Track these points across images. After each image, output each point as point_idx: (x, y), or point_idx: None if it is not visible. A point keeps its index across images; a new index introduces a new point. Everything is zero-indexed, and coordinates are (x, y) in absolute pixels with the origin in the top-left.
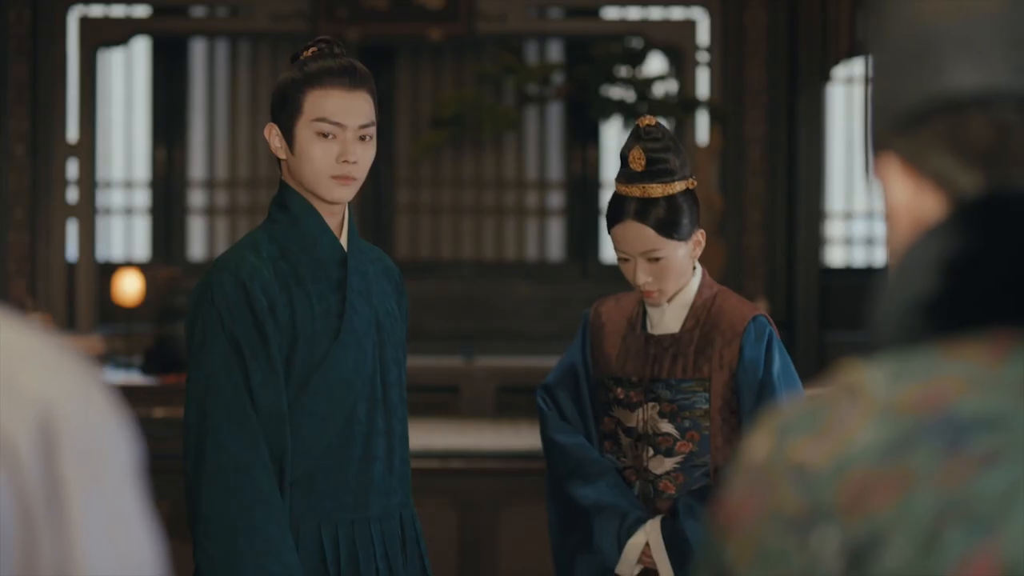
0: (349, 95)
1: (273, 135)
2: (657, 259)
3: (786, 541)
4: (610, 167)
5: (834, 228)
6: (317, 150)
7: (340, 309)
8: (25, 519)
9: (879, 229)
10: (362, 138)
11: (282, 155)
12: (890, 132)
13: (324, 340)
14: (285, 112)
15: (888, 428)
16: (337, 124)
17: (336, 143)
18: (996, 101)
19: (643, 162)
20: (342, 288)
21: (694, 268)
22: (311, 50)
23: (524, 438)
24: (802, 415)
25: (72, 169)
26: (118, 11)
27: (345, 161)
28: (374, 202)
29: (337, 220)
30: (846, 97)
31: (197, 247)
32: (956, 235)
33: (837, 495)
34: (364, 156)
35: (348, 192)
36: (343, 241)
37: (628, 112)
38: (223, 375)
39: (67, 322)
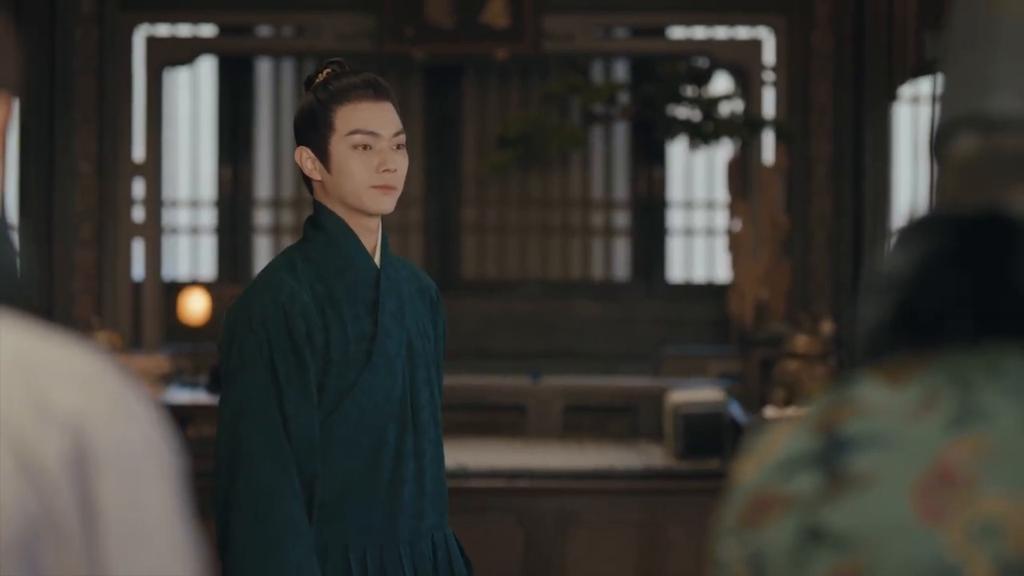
0: (377, 106)
1: (305, 158)
2: (400, 147)
3: (723, 554)
4: (676, 186)
5: None
6: (355, 163)
7: (372, 332)
8: (57, 539)
9: None
10: (397, 147)
11: (317, 176)
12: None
13: (356, 365)
14: (316, 132)
15: (789, 449)
16: (372, 133)
17: (373, 154)
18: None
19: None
20: (375, 310)
21: None
22: (325, 72)
23: (590, 458)
24: (758, 437)
25: (138, 188)
26: (184, 31)
27: (386, 170)
28: (441, 221)
29: (372, 239)
30: (912, 116)
31: (263, 266)
32: (892, 258)
33: (741, 510)
34: (401, 164)
35: (390, 201)
36: (377, 260)
37: (694, 131)
38: (257, 400)
39: (133, 341)
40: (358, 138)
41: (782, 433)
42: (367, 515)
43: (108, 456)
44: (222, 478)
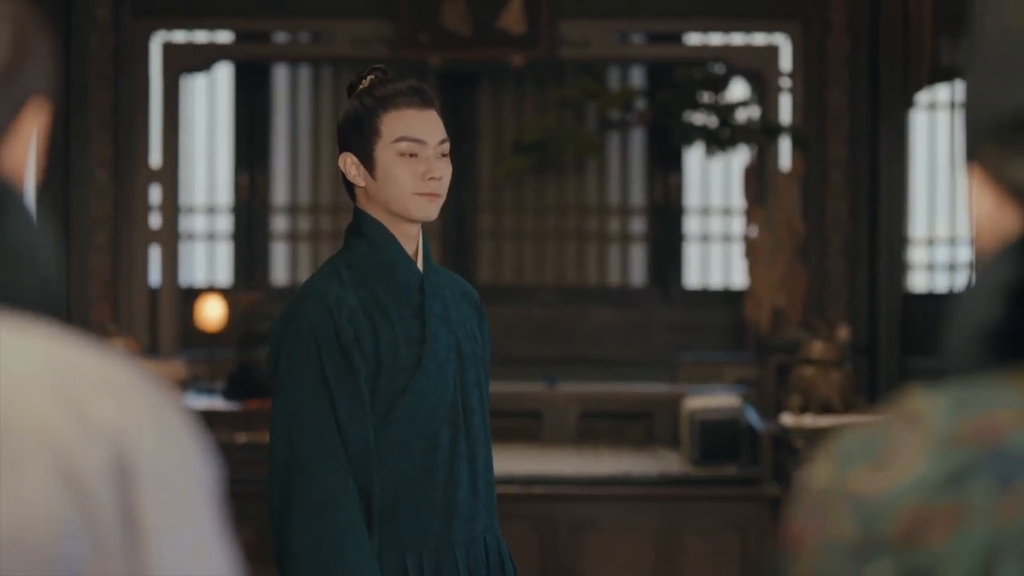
0: (423, 113)
1: (349, 164)
2: (444, 155)
3: (843, 570)
4: (692, 192)
5: (916, 254)
6: (401, 170)
7: (421, 336)
8: (98, 552)
9: (962, 255)
10: (442, 155)
11: (361, 182)
12: (977, 142)
13: (407, 368)
14: (361, 138)
15: (944, 460)
16: (418, 141)
17: (419, 161)
18: None
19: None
20: (422, 314)
21: None
22: (369, 78)
23: (606, 464)
24: (861, 443)
25: (155, 194)
26: (201, 37)
27: (431, 178)
28: (457, 227)
29: (413, 246)
30: (929, 123)
31: (280, 272)
32: (1020, 259)
33: (892, 526)
34: (446, 172)
35: (434, 209)
36: (419, 266)
37: (711, 138)
38: (309, 406)
39: (149, 347)
40: (404, 145)
41: (911, 445)
42: (422, 519)
43: (148, 467)
44: (278, 485)
